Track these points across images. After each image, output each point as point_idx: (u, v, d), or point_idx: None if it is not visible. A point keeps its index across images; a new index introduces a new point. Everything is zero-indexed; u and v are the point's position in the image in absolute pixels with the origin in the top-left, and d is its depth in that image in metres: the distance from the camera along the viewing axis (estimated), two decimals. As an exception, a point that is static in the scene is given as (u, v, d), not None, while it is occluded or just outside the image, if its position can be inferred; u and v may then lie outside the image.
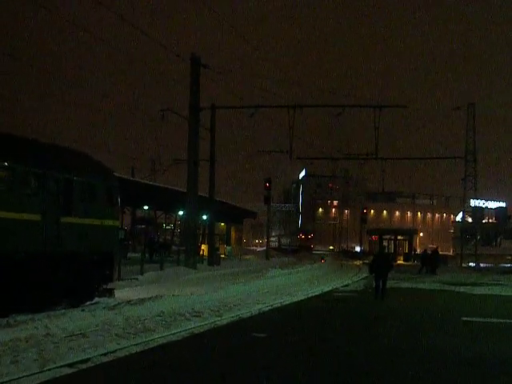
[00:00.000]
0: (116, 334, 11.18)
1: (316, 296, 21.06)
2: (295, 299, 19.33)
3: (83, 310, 14.18)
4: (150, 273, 26.81)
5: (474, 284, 28.95)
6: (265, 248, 72.09)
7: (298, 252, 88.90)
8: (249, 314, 15.01)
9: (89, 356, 9.17)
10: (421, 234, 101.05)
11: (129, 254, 38.40)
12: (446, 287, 26.60)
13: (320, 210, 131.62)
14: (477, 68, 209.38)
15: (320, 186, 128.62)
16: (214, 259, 39.07)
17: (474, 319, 15.26)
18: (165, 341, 10.90)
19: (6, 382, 7.62)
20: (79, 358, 8.97)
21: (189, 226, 36.57)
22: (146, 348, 10.17)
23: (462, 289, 25.54)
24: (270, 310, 16.36)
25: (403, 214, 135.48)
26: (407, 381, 8.52)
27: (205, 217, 46.15)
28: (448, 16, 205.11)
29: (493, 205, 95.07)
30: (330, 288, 24.71)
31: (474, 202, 70.54)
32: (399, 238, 71.93)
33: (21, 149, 14.43)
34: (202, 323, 13.08)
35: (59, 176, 14.96)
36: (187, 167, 35.99)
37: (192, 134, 35.45)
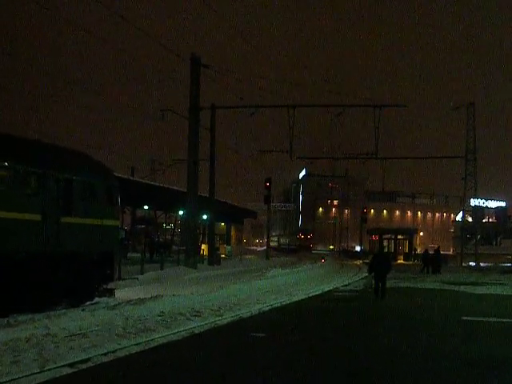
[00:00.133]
0: (116, 334, 11.18)
1: (316, 296, 21.06)
2: (295, 299, 19.32)
3: (83, 310, 14.18)
4: (150, 273, 26.83)
5: (474, 283, 28.93)
6: (265, 248, 72.10)
7: (296, 252, 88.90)
8: (249, 314, 15.01)
9: (89, 356, 9.17)
10: (421, 234, 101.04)
11: (129, 254, 38.43)
12: (446, 286, 26.60)
13: (320, 209, 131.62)
14: (477, 68, 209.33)
15: (320, 186, 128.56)
16: (214, 259, 39.10)
17: (474, 319, 15.25)
18: (165, 340, 10.90)
19: (7, 381, 7.62)
20: (79, 358, 8.97)
21: (189, 225, 36.59)
22: (146, 348, 10.17)
23: (462, 288, 25.54)
24: (270, 309, 16.36)
25: (403, 214, 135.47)
26: (407, 380, 8.51)
27: (205, 216, 46.17)
28: (448, 15, 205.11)
29: (493, 204, 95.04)
30: (331, 287, 24.72)
31: (474, 202, 70.53)
32: (399, 237, 71.95)
33: (21, 149, 14.43)
34: (203, 323, 13.08)
35: (59, 176, 14.96)
36: (187, 167, 36.01)
37: (192, 134, 35.47)
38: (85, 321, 12.56)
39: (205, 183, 39.67)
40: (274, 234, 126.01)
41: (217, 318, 13.86)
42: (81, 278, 15.91)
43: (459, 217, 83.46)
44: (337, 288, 24.89)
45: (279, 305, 17.50)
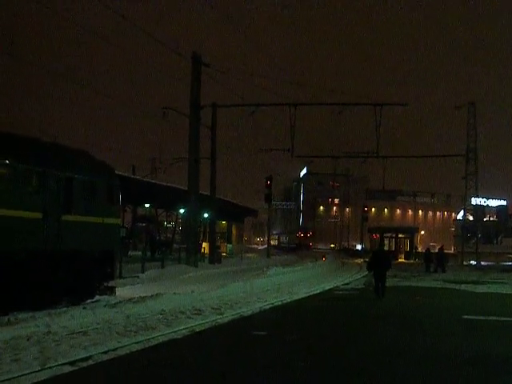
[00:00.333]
0: (117, 332, 11.19)
1: (317, 294, 21.06)
2: (296, 297, 19.32)
3: (84, 308, 14.17)
4: (151, 271, 26.84)
5: (475, 282, 28.92)
6: (266, 246, 72.09)
7: (296, 250, 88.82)
8: (250, 312, 15.01)
9: (90, 354, 9.17)
10: (422, 232, 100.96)
11: (130, 252, 38.41)
12: (447, 285, 26.59)
13: (321, 208, 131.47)
14: (478, 67, 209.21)
15: (321, 184, 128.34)
16: (215, 257, 39.09)
17: (475, 317, 15.23)
18: (166, 339, 10.90)
19: (7, 379, 7.62)
20: (80, 356, 8.98)
21: (190, 224, 36.59)
22: (146, 346, 10.17)
23: (463, 287, 25.53)
24: (270, 308, 16.36)
25: (404, 212, 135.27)
26: (407, 379, 8.51)
27: (206, 215, 46.18)
28: (449, 15, 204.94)
29: (494, 203, 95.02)
30: (331, 286, 24.72)
31: (474, 201, 70.62)
32: (400, 236, 71.94)
33: (22, 147, 14.43)
34: (203, 321, 13.08)
35: (60, 174, 14.96)
36: (188, 165, 36.00)
37: (193, 132, 35.45)
38: (85, 319, 12.57)
39: (206, 181, 39.69)
40: (274, 232, 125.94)
41: (218, 317, 13.86)
42: (81, 276, 15.91)
43: (460, 215, 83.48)
44: (337, 287, 24.89)
45: (280, 303, 17.50)
